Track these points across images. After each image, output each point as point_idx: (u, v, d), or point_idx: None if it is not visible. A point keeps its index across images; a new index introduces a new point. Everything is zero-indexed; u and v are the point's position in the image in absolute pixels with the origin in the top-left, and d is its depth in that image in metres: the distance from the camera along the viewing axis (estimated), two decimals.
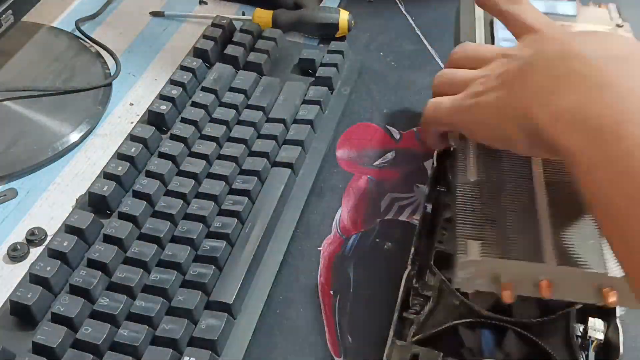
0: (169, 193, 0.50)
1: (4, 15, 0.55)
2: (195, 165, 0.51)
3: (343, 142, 0.59)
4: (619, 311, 0.43)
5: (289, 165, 0.53)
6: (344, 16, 0.68)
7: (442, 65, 0.67)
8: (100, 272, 0.44)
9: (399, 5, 0.75)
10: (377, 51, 0.68)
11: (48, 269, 0.43)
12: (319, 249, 0.51)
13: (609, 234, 0.34)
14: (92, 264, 0.44)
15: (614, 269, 0.37)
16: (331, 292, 0.48)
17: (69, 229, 0.46)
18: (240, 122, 0.56)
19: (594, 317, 0.43)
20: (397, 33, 0.71)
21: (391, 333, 0.42)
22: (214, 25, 0.64)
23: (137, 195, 0.49)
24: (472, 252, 0.39)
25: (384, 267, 0.50)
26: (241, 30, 0.64)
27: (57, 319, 0.42)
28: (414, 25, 0.72)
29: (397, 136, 0.60)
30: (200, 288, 0.44)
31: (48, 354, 0.40)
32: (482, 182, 0.44)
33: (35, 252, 0.49)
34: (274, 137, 0.55)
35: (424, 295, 0.45)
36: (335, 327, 0.46)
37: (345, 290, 0.48)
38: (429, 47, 0.69)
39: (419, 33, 0.71)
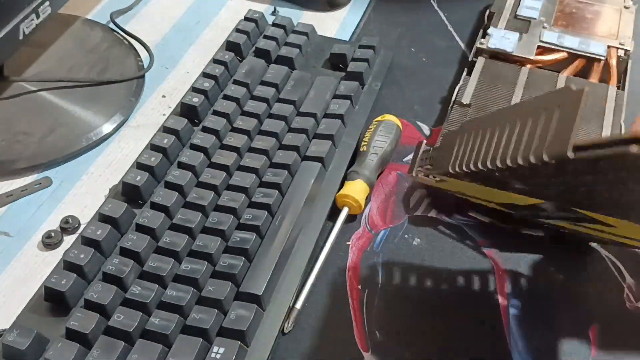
0: (201, 184, 0.50)
1: (41, 7, 0.56)
2: (227, 158, 0.52)
3: None
4: None
5: (319, 159, 0.53)
6: None
7: None
8: (133, 261, 0.44)
9: (432, 1, 0.74)
10: (409, 47, 0.68)
11: (82, 256, 0.44)
12: (347, 243, 0.51)
13: None
14: (125, 252, 0.45)
15: None
16: (359, 286, 0.48)
17: (102, 217, 0.47)
18: (271, 116, 0.56)
19: None
20: (429, 29, 0.70)
21: None
22: (246, 19, 0.65)
23: (169, 186, 0.50)
24: None
25: (412, 263, 0.50)
26: (273, 25, 0.65)
27: (90, 305, 0.42)
28: (446, 21, 0.71)
29: (427, 132, 0.60)
30: (230, 279, 0.44)
31: (81, 340, 0.40)
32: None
33: (69, 239, 0.50)
34: (304, 131, 0.55)
35: None
36: (363, 321, 0.46)
37: (373, 285, 0.48)
38: (461, 44, 0.69)
39: (451, 29, 0.70)
